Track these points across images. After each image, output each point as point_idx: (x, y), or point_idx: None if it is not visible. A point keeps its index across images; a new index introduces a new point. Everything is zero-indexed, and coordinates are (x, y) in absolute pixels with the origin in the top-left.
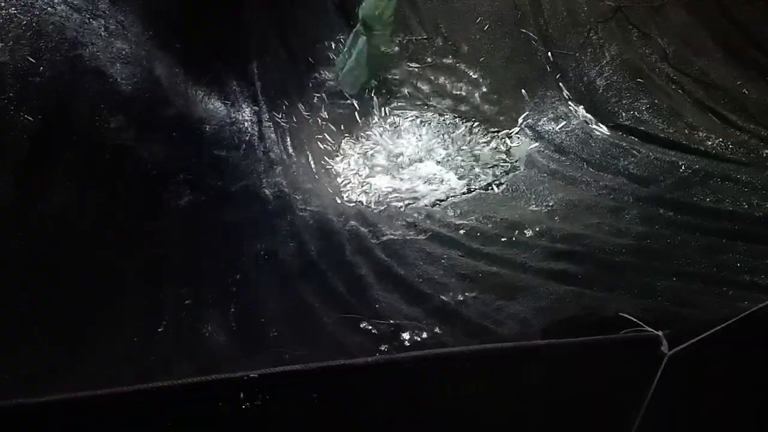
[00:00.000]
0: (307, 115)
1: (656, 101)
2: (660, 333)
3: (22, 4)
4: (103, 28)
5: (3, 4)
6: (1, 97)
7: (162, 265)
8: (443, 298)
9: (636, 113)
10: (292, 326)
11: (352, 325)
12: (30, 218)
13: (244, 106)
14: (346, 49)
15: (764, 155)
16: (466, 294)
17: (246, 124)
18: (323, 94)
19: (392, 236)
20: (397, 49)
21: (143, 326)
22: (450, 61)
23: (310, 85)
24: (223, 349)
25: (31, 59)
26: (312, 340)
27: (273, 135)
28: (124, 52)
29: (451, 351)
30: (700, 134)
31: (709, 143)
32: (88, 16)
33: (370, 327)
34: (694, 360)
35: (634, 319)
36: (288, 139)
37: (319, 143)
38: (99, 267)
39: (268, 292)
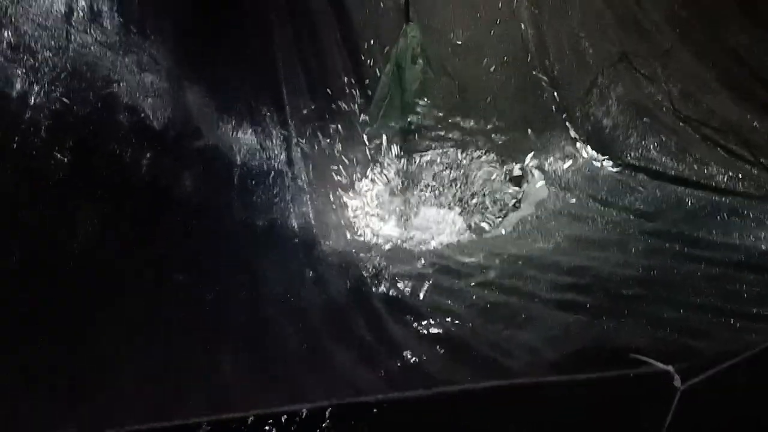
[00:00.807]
0: (326, 144)
1: (663, 139)
2: (671, 368)
3: (56, 46)
4: (135, 64)
5: (38, 47)
6: (34, 139)
7: (184, 292)
8: (452, 328)
9: (644, 152)
10: (301, 359)
11: (361, 360)
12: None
13: (273, 132)
14: (378, 94)
15: None
16: (475, 323)
17: (275, 151)
18: (338, 126)
19: (401, 271)
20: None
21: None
22: (456, 101)
23: (327, 116)
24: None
25: (64, 99)
26: (322, 376)
27: (300, 162)
28: (155, 86)
29: (461, 388)
30: (709, 169)
31: (718, 178)
32: (120, 52)
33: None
34: (707, 393)
35: (644, 358)
36: (310, 167)
37: (333, 174)
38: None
39: (282, 325)
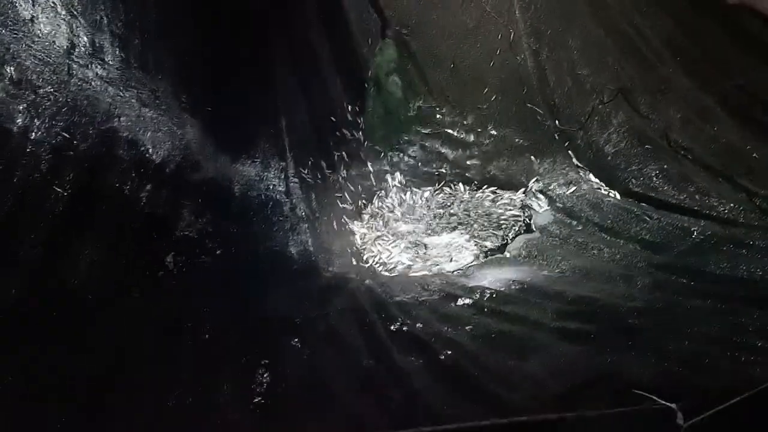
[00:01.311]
0: (329, 173)
1: (665, 167)
2: (674, 405)
3: (58, 81)
4: (135, 99)
5: (40, 83)
6: (34, 173)
7: (182, 322)
8: (457, 358)
9: (646, 179)
10: (303, 390)
11: (364, 392)
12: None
13: (272, 163)
14: (369, 109)
15: None
16: (480, 354)
17: (274, 181)
18: (343, 153)
19: (406, 298)
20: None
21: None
22: (458, 129)
23: (331, 143)
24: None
25: (65, 134)
26: (324, 407)
27: (299, 191)
28: (155, 120)
29: (464, 426)
30: (712, 199)
31: (721, 209)
32: (121, 87)
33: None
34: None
35: (648, 395)
36: (313, 196)
37: (338, 201)
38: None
39: (282, 355)
